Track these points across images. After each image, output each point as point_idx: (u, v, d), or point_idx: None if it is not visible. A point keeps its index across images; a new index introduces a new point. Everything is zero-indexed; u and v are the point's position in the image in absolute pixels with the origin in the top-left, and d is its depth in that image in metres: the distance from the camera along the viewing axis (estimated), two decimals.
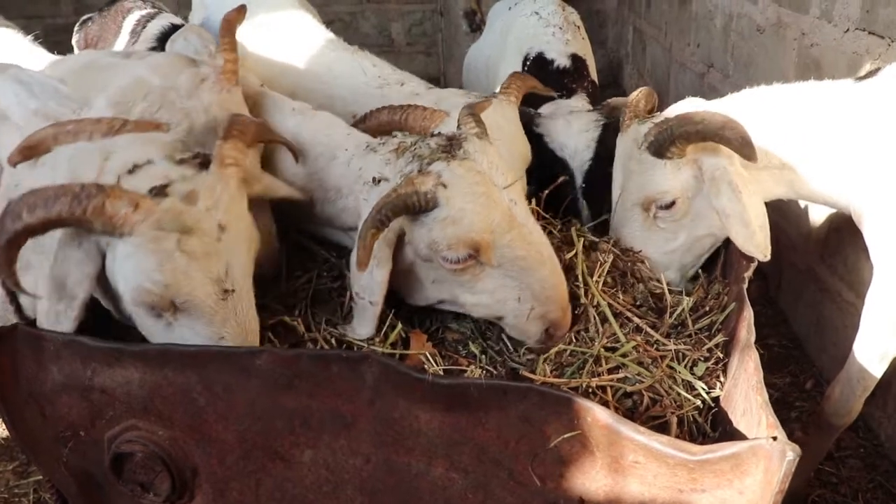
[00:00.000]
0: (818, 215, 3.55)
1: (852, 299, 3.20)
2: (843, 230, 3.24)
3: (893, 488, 2.90)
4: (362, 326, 2.02)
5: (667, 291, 2.26)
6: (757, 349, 3.49)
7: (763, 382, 1.64)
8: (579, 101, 3.38)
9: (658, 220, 2.39)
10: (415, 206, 1.85)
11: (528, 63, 3.54)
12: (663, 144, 2.29)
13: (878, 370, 2.40)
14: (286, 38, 3.22)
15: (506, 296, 1.96)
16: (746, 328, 1.90)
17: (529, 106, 3.09)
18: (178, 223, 1.74)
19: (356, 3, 7.24)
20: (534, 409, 1.57)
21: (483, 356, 2.05)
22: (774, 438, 1.43)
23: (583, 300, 2.11)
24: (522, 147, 2.65)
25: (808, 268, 3.68)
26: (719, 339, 2.04)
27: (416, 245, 1.95)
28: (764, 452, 1.42)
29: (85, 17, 3.51)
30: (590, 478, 1.58)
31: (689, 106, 2.49)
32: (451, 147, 2.02)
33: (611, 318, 2.05)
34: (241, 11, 2.49)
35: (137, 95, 2.11)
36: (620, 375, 1.89)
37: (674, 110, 2.52)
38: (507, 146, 2.54)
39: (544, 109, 3.25)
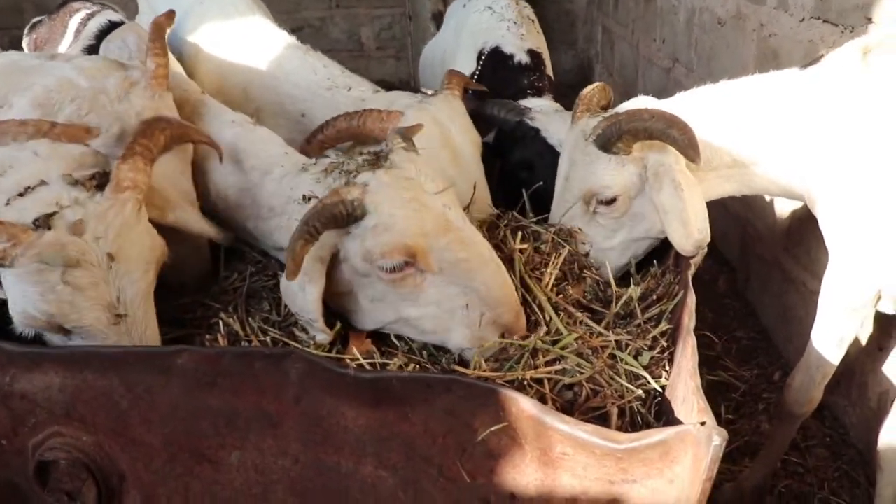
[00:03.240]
0: (783, 207, 3.53)
1: (815, 288, 3.14)
2: (806, 220, 3.21)
3: (858, 476, 2.86)
4: (316, 333, 1.96)
5: (612, 283, 2.21)
6: (724, 342, 3.48)
7: (697, 368, 1.59)
8: (552, 103, 3.35)
9: (598, 215, 2.35)
10: (342, 216, 1.81)
11: (483, 57, 3.49)
12: (610, 139, 2.26)
13: (836, 356, 2.37)
14: (239, 37, 3.18)
15: (453, 305, 1.89)
16: (688, 315, 1.86)
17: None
18: (62, 257, 1.71)
19: (325, 9, 7.20)
20: (459, 401, 1.51)
21: (423, 352, 2.00)
22: (703, 424, 1.38)
23: (525, 295, 2.06)
24: (473, 135, 2.67)
25: (773, 259, 3.65)
26: (664, 327, 1.99)
27: (352, 260, 1.89)
28: (691, 438, 1.37)
29: (34, 20, 3.45)
30: (520, 472, 1.53)
31: (639, 104, 2.46)
32: (377, 160, 1.99)
33: (550, 312, 2.00)
34: (170, 16, 2.43)
35: (65, 97, 2.06)
36: (559, 367, 1.84)
37: (624, 107, 2.48)
38: (461, 135, 2.57)
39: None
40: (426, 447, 1.57)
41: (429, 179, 1.92)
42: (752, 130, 2.32)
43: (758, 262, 3.88)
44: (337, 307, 1.98)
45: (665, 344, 1.96)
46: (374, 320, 1.98)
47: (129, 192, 1.85)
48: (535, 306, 2.04)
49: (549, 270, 2.15)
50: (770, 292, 3.72)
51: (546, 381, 1.80)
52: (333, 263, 1.91)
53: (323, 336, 1.93)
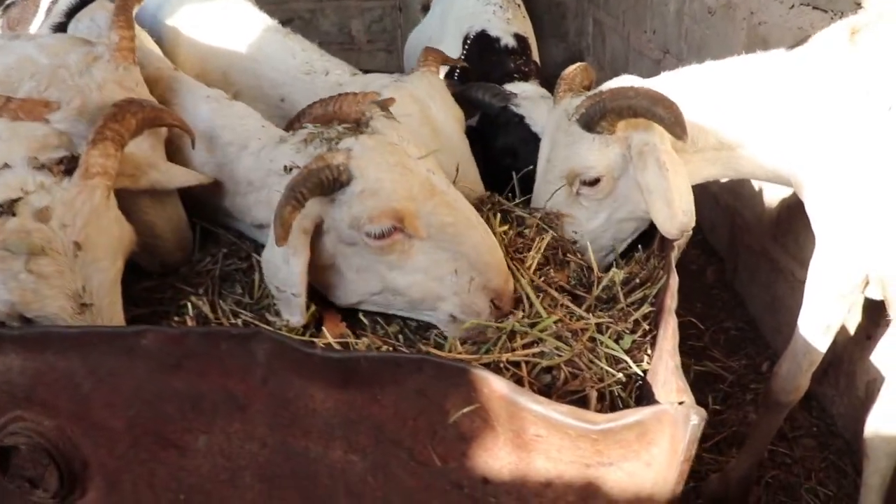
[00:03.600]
0: (772, 196, 3.49)
1: (804, 278, 3.10)
2: (795, 209, 3.17)
3: (845, 466, 2.83)
4: (291, 315, 1.90)
5: (595, 265, 2.16)
6: (712, 333, 3.43)
7: (677, 348, 1.55)
8: (538, 88, 3.30)
9: (581, 196, 2.29)
10: (329, 181, 1.77)
11: (468, 41, 3.44)
12: (594, 118, 2.21)
13: (823, 343, 2.32)
14: (218, 20, 3.12)
15: (442, 271, 1.85)
16: (670, 296, 1.82)
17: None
18: (26, 244, 1.66)
19: (315, 1, 7.12)
20: (430, 382, 1.46)
21: (400, 335, 1.95)
22: (681, 404, 1.33)
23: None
24: (456, 111, 2.62)
25: (762, 249, 3.61)
26: (646, 309, 1.95)
27: (338, 228, 1.84)
28: (668, 418, 1.32)
29: (8, 1, 3.38)
30: (493, 455, 1.48)
31: (623, 83, 2.41)
32: (359, 127, 1.96)
33: (531, 294, 1.95)
34: None
35: (24, 74, 2.01)
36: (536, 350, 1.79)
37: (608, 86, 2.43)
38: (442, 112, 2.54)
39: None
40: (396, 430, 1.52)
41: (411, 145, 1.89)
42: (738, 111, 2.27)
43: (746, 253, 3.84)
44: (318, 282, 1.93)
45: (647, 327, 1.91)
46: (358, 292, 1.92)
47: (98, 179, 1.80)
48: (516, 289, 1.99)
49: (531, 254, 2.10)
50: (758, 282, 3.68)
51: (523, 364, 1.75)
52: (316, 235, 1.86)
53: (298, 318, 1.87)
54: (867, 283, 2.21)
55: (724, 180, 4.05)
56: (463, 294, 1.86)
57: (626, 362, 1.81)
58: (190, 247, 2.20)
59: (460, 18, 3.56)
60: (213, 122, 2.21)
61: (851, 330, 2.90)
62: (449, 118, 2.56)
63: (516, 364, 1.75)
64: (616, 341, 1.87)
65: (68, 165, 1.84)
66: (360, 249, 1.86)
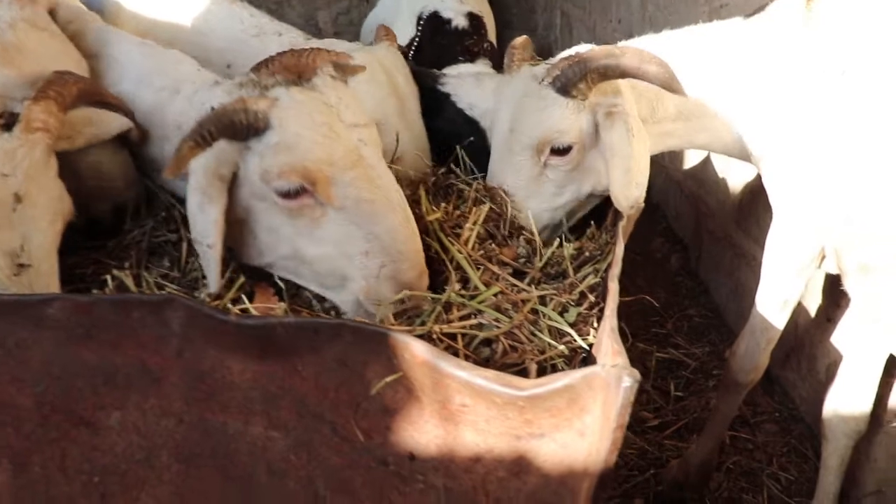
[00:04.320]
0: (735, 182, 3.44)
1: None
2: (757, 192, 3.12)
3: (807, 450, 2.77)
4: (210, 278, 1.79)
5: (537, 236, 2.08)
6: (676, 320, 3.36)
7: (616, 311, 1.46)
8: (484, 67, 3.21)
9: (548, 168, 2.19)
10: (241, 125, 1.66)
11: (422, 22, 3.36)
12: (572, 79, 2.10)
13: (780, 319, 2.27)
14: None
15: (352, 249, 1.74)
16: (615, 263, 1.74)
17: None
18: None
19: None
20: (350, 349, 1.37)
21: (333, 311, 1.85)
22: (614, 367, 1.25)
23: (434, 249, 1.92)
24: (415, 88, 2.57)
25: (725, 235, 3.56)
26: (591, 280, 1.86)
27: (251, 180, 1.74)
28: (600, 382, 1.24)
29: None
30: (419, 429, 1.38)
31: (582, 50, 2.33)
32: (299, 80, 1.85)
33: (466, 266, 1.86)
34: None
35: None
36: (474, 322, 1.70)
37: (565, 55, 2.35)
38: (407, 86, 2.50)
39: (447, 72, 3.07)
40: (318, 403, 1.42)
41: (349, 111, 1.78)
42: (696, 80, 2.20)
43: (710, 240, 3.78)
44: (231, 239, 1.83)
45: (593, 299, 1.83)
46: (267, 253, 1.82)
47: (39, 135, 1.76)
48: (451, 267, 1.90)
49: (468, 226, 2.01)
50: (722, 269, 3.63)
51: (460, 337, 1.65)
52: (233, 186, 1.76)
53: (212, 280, 1.76)
54: (823, 258, 2.16)
55: (687, 167, 4.02)
56: (370, 279, 1.75)
57: (570, 335, 1.72)
58: (140, 186, 2.14)
59: None
60: (145, 67, 2.14)
61: (812, 312, 2.84)
62: (411, 94, 2.50)
63: (452, 337, 1.66)
64: (561, 314, 1.79)
65: (8, 120, 1.79)
66: (271, 207, 1.76)
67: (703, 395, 3.10)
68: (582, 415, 1.28)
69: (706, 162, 3.75)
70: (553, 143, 2.15)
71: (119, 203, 2.11)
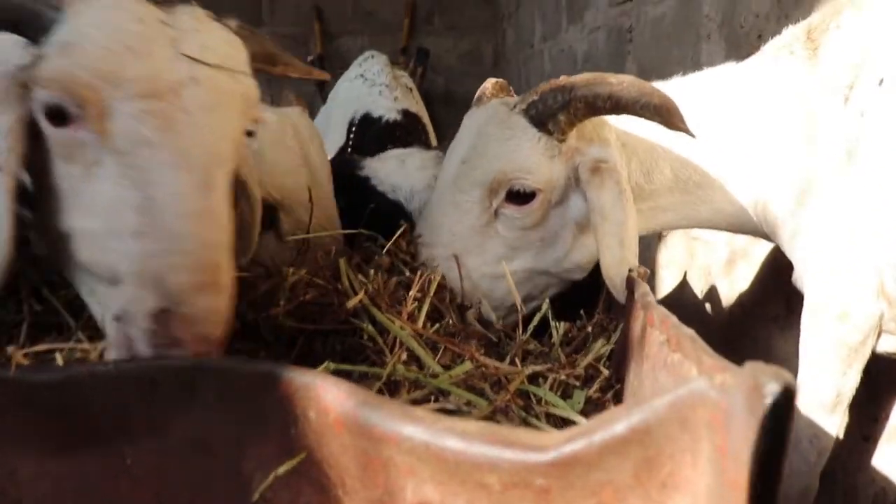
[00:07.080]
0: None
1: None
2: None
3: None
4: None
5: (519, 304, 1.53)
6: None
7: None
8: (414, 150, 2.83)
9: (500, 218, 1.66)
10: (24, 12, 1.15)
11: (353, 127, 2.99)
12: (551, 107, 1.64)
13: (832, 424, 1.75)
14: None
15: (120, 223, 1.10)
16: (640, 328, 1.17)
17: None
18: None
19: None
20: (215, 415, 0.73)
21: None
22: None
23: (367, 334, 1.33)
24: (328, 166, 2.18)
25: None
26: (600, 348, 1.29)
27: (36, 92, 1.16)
28: (710, 406, 0.63)
29: None
30: None
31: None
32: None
33: (415, 346, 1.26)
34: None
35: None
36: (435, 406, 1.08)
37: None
38: (320, 158, 2.15)
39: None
40: None
41: (196, 44, 1.19)
42: (695, 141, 1.77)
43: None
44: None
45: (607, 374, 1.24)
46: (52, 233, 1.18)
47: None
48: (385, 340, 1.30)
49: (411, 293, 1.44)
50: None
51: None
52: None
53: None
54: (880, 332, 1.66)
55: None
56: (131, 273, 1.08)
57: (576, 419, 1.12)
58: None
59: (346, 103, 3.15)
60: None
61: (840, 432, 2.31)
62: (322, 164, 2.08)
63: None
64: (562, 397, 1.20)
65: None
66: (48, 139, 1.17)
67: None
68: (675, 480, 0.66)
69: None
70: (513, 183, 1.63)
71: None
